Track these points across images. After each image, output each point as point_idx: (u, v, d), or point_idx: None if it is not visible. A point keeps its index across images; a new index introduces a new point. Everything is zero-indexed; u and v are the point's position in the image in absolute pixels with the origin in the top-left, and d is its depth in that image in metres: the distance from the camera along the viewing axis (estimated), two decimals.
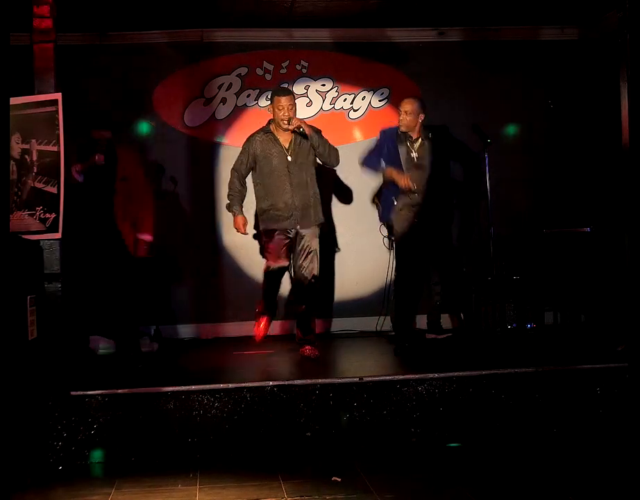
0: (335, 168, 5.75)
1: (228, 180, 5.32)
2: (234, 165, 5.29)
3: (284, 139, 5.16)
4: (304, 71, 6.73)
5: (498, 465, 3.73)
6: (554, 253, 5.95)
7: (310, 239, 5.17)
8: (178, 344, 6.15)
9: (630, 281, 4.29)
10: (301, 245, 5.17)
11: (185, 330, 6.49)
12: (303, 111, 6.70)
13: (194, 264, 6.51)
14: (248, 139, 5.25)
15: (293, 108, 5.11)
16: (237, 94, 6.64)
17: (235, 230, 5.26)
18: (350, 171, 6.71)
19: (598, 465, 3.65)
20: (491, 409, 4.19)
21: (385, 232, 6.22)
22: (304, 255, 5.15)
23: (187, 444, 3.95)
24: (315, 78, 6.74)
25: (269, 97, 5.31)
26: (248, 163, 5.20)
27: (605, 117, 6.03)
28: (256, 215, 5.42)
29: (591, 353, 4.79)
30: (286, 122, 5.08)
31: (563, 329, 5.92)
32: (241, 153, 5.26)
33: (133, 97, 6.48)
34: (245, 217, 5.22)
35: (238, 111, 6.63)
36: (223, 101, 6.64)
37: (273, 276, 5.28)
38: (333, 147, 5.23)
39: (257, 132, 5.25)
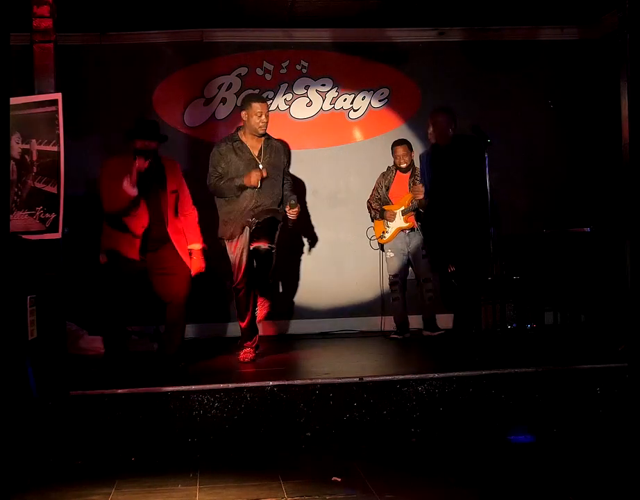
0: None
1: (211, 185, 5.15)
2: (210, 181, 5.14)
3: (253, 145, 5.10)
4: (304, 71, 6.73)
5: (498, 465, 3.73)
6: (554, 253, 5.94)
7: (265, 232, 5.03)
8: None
9: (630, 281, 4.29)
10: (256, 234, 5.03)
11: (185, 330, 6.47)
12: (303, 111, 6.72)
13: None
14: (214, 149, 5.16)
15: (268, 115, 5.08)
16: (237, 94, 6.64)
17: (257, 179, 4.93)
18: (350, 171, 6.74)
19: (598, 465, 3.65)
20: (491, 409, 4.19)
21: (371, 233, 6.32)
22: (258, 237, 5.02)
23: (187, 444, 3.95)
24: (315, 78, 6.74)
25: (242, 103, 5.23)
26: (222, 167, 5.08)
27: (605, 116, 6.03)
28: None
29: (591, 353, 4.79)
30: (263, 129, 5.05)
31: (563, 329, 5.91)
32: (212, 164, 5.13)
33: (133, 97, 6.48)
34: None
35: (238, 111, 6.60)
36: (223, 101, 6.64)
37: (240, 296, 5.13)
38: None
39: (221, 141, 5.18)
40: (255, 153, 5.10)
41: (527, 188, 6.77)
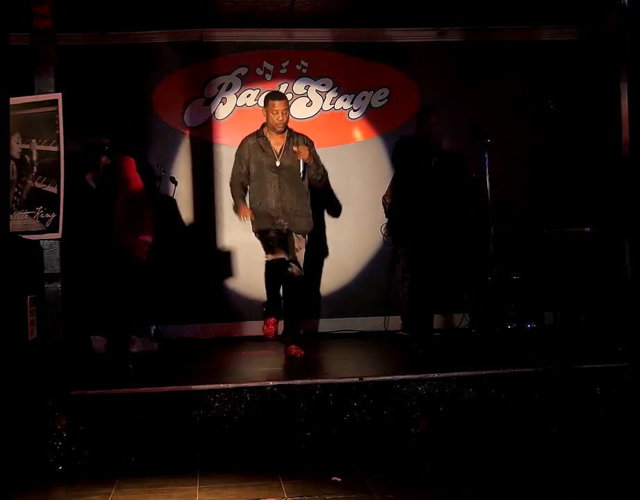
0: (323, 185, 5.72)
1: (231, 183, 5.31)
2: (232, 175, 5.29)
3: (276, 142, 5.18)
4: (304, 71, 6.73)
5: (498, 465, 3.73)
6: (554, 253, 5.95)
7: (299, 242, 5.19)
8: (178, 344, 6.14)
9: (630, 281, 4.29)
10: (290, 244, 5.17)
11: (185, 330, 6.48)
12: (303, 111, 6.72)
13: (194, 264, 6.51)
14: (241, 144, 5.28)
15: (287, 113, 5.15)
16: (237, 94, 6.64)
17: (240, 217, 5.20)
18: (350, 171, 6.73)
19: (598, 465, 3.65)
20: (491, 409, 4.19)
21: (385, 231, 6.35)
22: (292, 253, 5.16)
23: (187, 444, 3.95)
24: (315, 78, 6.74)
25: (263, 100, 5.31)
26: (245, 170, 5.21)
27: (605, 117, 6.02)
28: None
29: (591, 353, 4.79)
30: (281, 127, 5.12)
31: (563, 329, 5.92)
32: (236, 161, 5.28)
33: (133, 97, 6.48)
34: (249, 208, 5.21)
35: (238, 111, 6.64)
36: (223, 101, 6.64)
37: (272, 269, 5.22)
38: (324, 175, 5.35)
39: (250, 135, 5.27)
40: (278, 149, 5.17)
41: (527, 188, 6.76)
